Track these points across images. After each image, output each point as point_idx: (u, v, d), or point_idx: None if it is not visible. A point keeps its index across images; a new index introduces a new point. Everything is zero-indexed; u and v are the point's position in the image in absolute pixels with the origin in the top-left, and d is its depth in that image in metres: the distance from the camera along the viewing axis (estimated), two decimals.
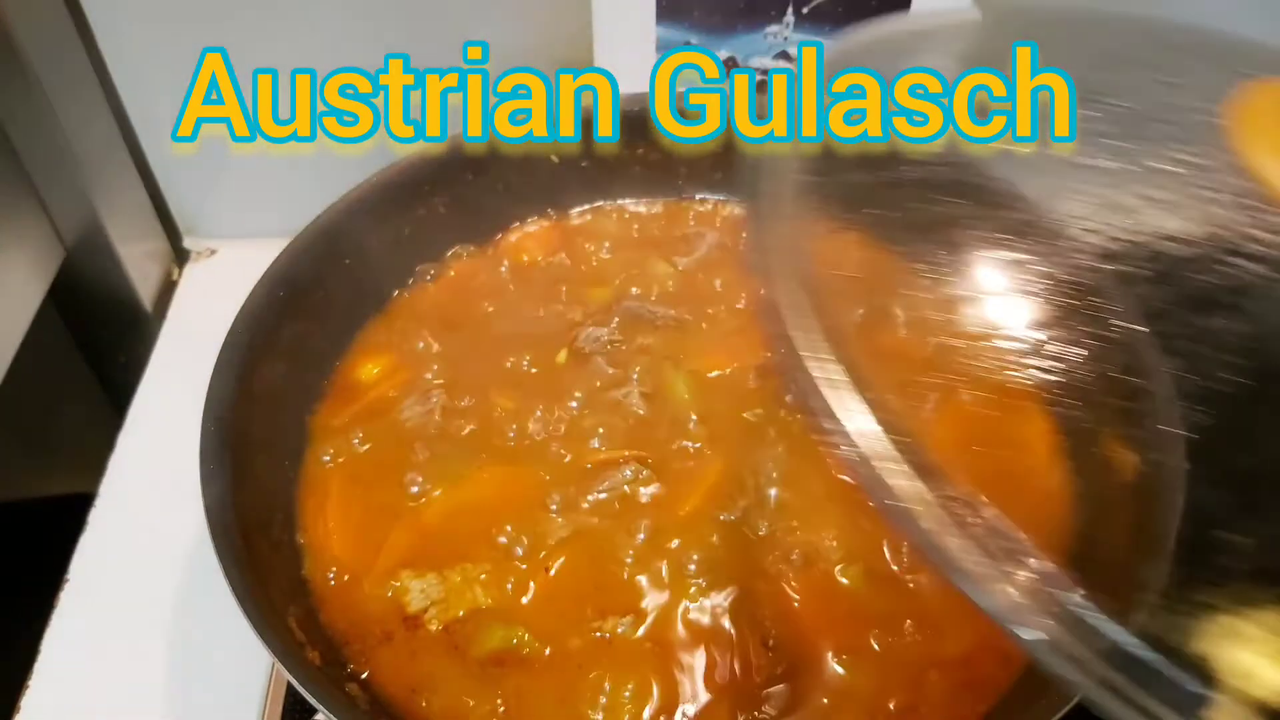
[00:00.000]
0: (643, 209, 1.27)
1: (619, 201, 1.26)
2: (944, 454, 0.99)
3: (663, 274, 1.18)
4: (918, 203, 0.83)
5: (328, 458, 1.00)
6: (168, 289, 1.37)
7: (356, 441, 1.01)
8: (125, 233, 1.31)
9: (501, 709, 0.83)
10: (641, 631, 0.87)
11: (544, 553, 0.92)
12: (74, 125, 1.20)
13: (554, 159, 1.22)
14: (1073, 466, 0.98)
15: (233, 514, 0.83)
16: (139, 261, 1.34)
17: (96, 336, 1.36)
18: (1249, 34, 0.79)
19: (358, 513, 0.96)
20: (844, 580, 0.90)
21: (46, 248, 1.22)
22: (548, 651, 0.86)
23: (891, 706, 0.83)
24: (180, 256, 1.41)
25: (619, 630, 0.86)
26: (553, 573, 0.91)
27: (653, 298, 1.15)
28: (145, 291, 1.35)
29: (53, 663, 0.99)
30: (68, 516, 1.11)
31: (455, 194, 1.18)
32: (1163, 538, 0.78)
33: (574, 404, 1.04)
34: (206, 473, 0.83)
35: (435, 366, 1.08)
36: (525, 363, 1.08)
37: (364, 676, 0.85)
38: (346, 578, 0.91)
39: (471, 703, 0.83)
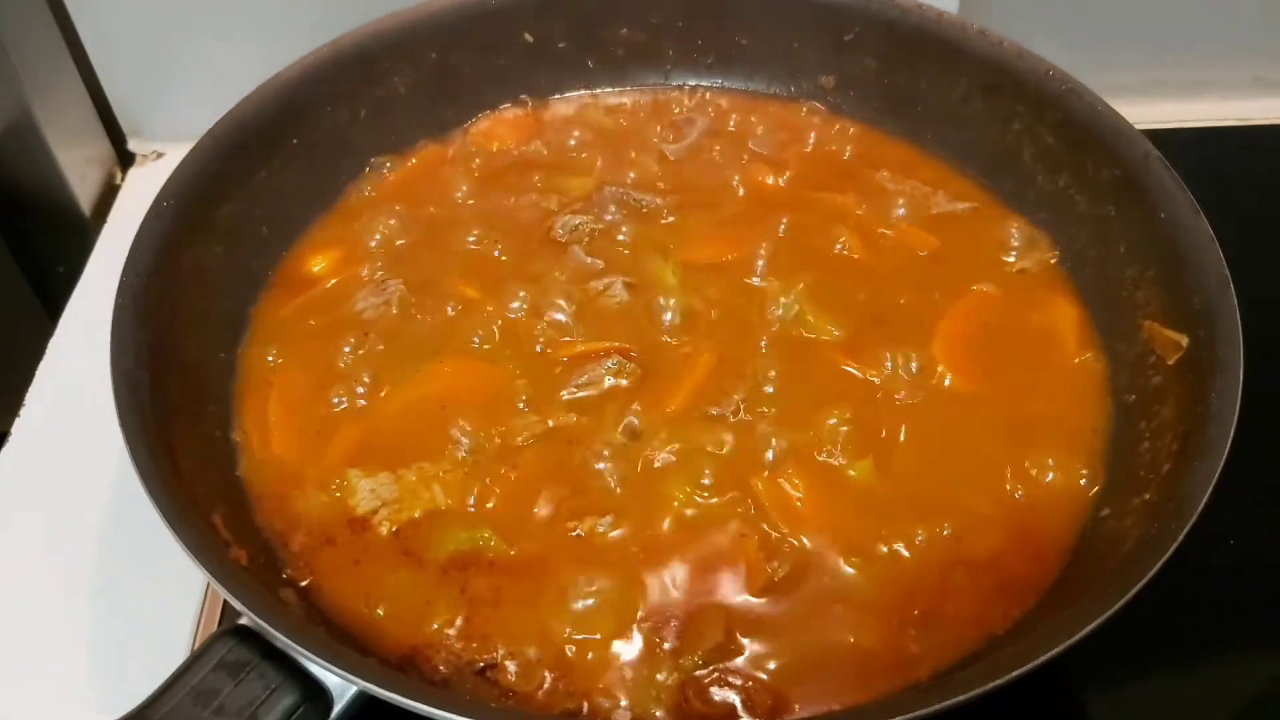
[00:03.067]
0: (626, 100, 1.15)
1: (600, 88, 1.14)
2: (964, 346, 0.89)
3: (649, 162, 1.07)
4: None
5: (271, 352, 0.89)
6: (110, 194, 1.26)
7: (303, 334, 0.90)
8: (61, 131, 1.20)
9: (463, 618, 0.72)
10: (622, 532, 0.76)
11: (513, 450, 0.81)
12: (3, 17, 1.09)
13: (528, 37, 1.10)
14: (1105, 353, 0.87)
15: (148, 396, 0.72)
16: (77, 163, 1.23)
17: (31, 242, 1.24)
18: None
19: (302, 410, 0.85)
20: (851, 474, 0.79)
21: None
22: (514, 553, 0.75)
23: (910, 614, 0.72)
24: (124, 159, 1.29)
25: (598, 530, 0.76)
26: (521, 471, 0.80)
27: (637, 185, 1.04)
28: (84, 195, 1.23)
29: None
30: None
31: (417, 73, 1.06)
32: (1226, 411, 0.68)
33: (548, 295, 0.93)
34: (117, 350, 0.72)
35: (393, 258, 0.98)
36: (494, 252, 0.97)
37: (304, 585, 0.74)
38: (286, 478, 0.80)
39: (428, 611, 0.73)
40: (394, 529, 0.77)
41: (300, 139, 0.99)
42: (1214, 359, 0.75)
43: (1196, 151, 1.20)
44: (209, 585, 0.85)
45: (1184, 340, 0.80)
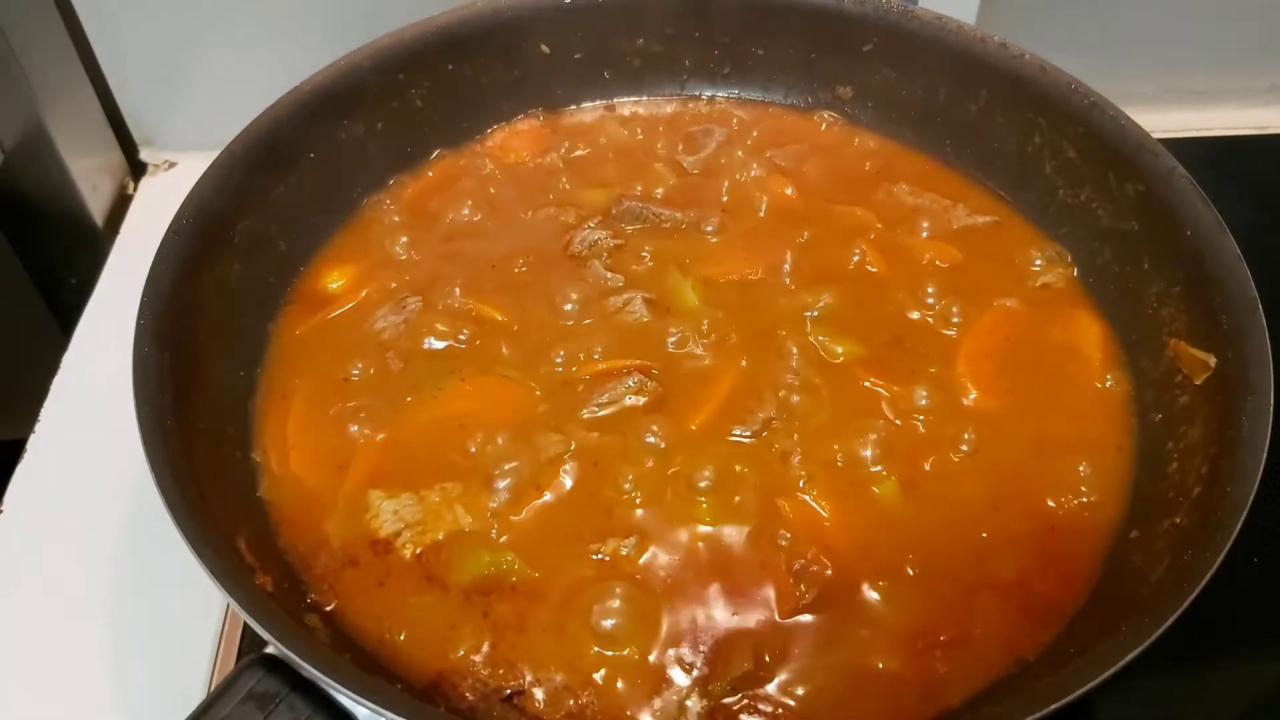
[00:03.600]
0: (643, 110, 1.14)
1: (617, 99, 1.14)
2: (988, 363, 0.89)
3: (666, 174, 1.06)
4: None
5: (290, 371, 0.88)
6: (122, 204, 1.25)
7: (322, 352, 0.90)
8: (73, 141, 1.20)
9: (488, 644, 0.71)
10: (647, 556, 0.76)
11: (535, 471, 0.81)
12: (13, 19, 1.08)
13: (544, 48, 1.09)
14: (1130, 371, 0.87)
15: (171, 419, 0.72)
16: (89, 173, 1.23)
17: (43, 254, 1.23)
18: None
19: (322, 429, 0.84)
20: (877, 492, 0.79)
21: None
22: (538, 576, 0.74)
23: (938, 638, 0.71)
24: (136, 169, 1.29)
25: (622, 553, 0.75)
26: (545, 492, 0.79)
27: (657, 198, 1.03)
28: (96, 205, 1.23)
29: None
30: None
31: (433, 86, 1.05)
32: (1259, 436, 0.67)
33: (568, 311, 0.92)
34: (140, 372, 0.71)
35: (411, 274, 0.97)
36: (512, 269, 0.97)
37: (328, 609, 0.74)
38: (308, 499, 0.79)
39: (453, 636, 0.72)
40: (417, 551, 0.76)
41: (317, 153, 0.98)
42: (1244, 380, 0.75)
43: (1212, 160, 1.19)
44: (229, 606, 0.85)
45: (1212, 360, 0.79)
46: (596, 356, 0.88)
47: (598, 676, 0.70)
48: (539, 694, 0.69)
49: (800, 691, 0.69)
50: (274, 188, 0.94)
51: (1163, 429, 0.82)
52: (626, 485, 0.79)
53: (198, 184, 0.86)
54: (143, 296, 0.76)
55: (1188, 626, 0.81)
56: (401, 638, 0.72)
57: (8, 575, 0.89)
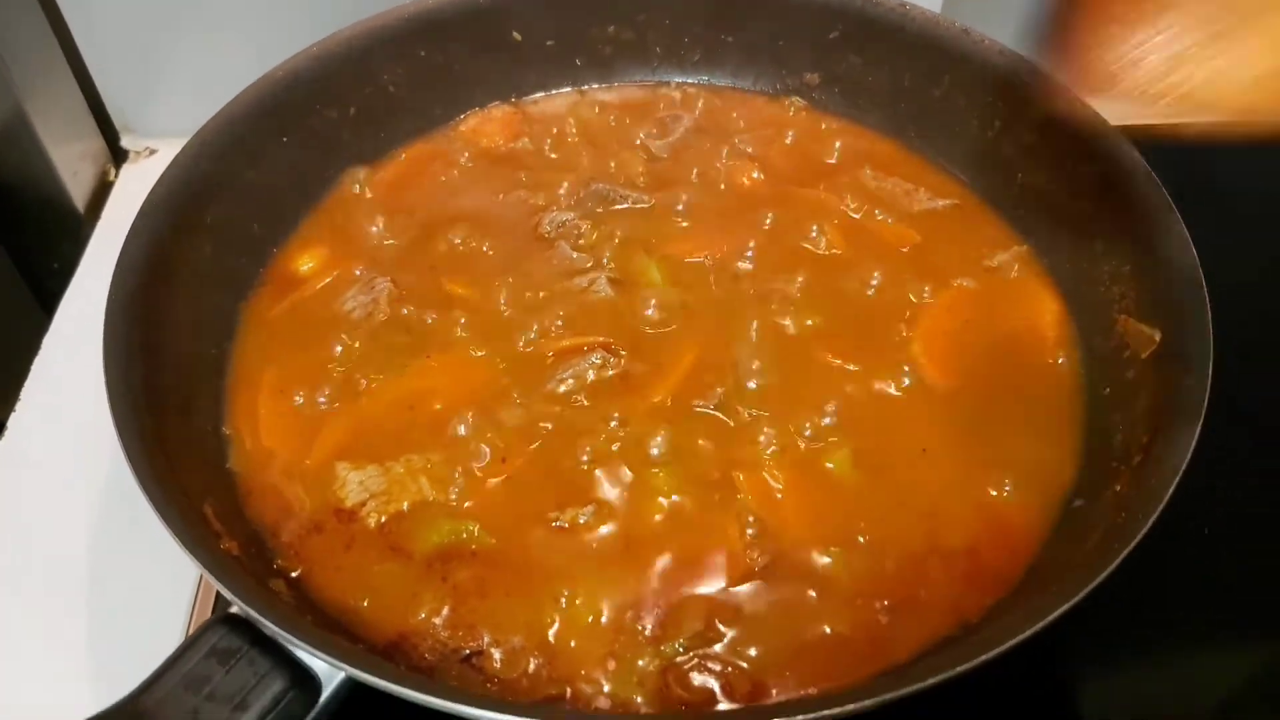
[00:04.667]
0: (614, 97, 1.16)
1: (588, 85, 1.16)
2: (944, 341, 0.91)
3: (635, 159, 1.08)
4: None
5: (261, 350, 0.90)
6: (103, 190, 1.27)
7: (292, 331, 0.92)
8: (54, 128, 1.21)
9: (448, 608, 0.74)
10: (607, 526, 0.78)
11: (498, 444, 0.83)
12: None
13: (516, 35, 1.11)
14: (1082, 347, 0.89)
15: (141, 392, 0.74)
16: (70, 160, 1.24)
17: (25, 239, 1.25)
18: None
19: (291, 405, 0.87)
20: (830, 466, 0.81)
21: None
22: (497, 543, 0.76)
23: (885, 603, 0.74)
24: (118, 156, 1.30)
25: (580, 520, 0.77)
26: (507, 464, 0.81)
27: (623, 181, 1.05)
28: (77, 192, 1.25)
29: None
30: None
31: (406, 72, 1.08)
32: (1194, 404, 0.69)
33: (534, 290, 0.94)
34: (110, 345, 0.74)
35: (381, 256, 0.99)
36: (481, 250, 0.98)
37: (294, 575, 0.76)
38: (276, 471, 0.81)
39: (414, 602, 0.74)
40: (382, 519, 0.78)
41: (290, 137, 1.00)
42: (1184, 353, 0.77)
43: (1171, 149, 1.21)
44: (202, 576, 0.87)
45: (1156, 335, 0.82)
46: (560, 332, 0.90)
47: (552, 637, 0.72)
48: (497, 654, 0.71)
49: (751, 652, 0.71)
50: (246, 171, 0.96)
51: (1110, 403, 0.84)
52: (585, 457, 0.82)
53: (170, 166, 0.88)
54: (114, 275, 0.78)
55: (1171, 618, 0.84)
56: (365, 604, 0.74)
57: None
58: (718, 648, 0.71)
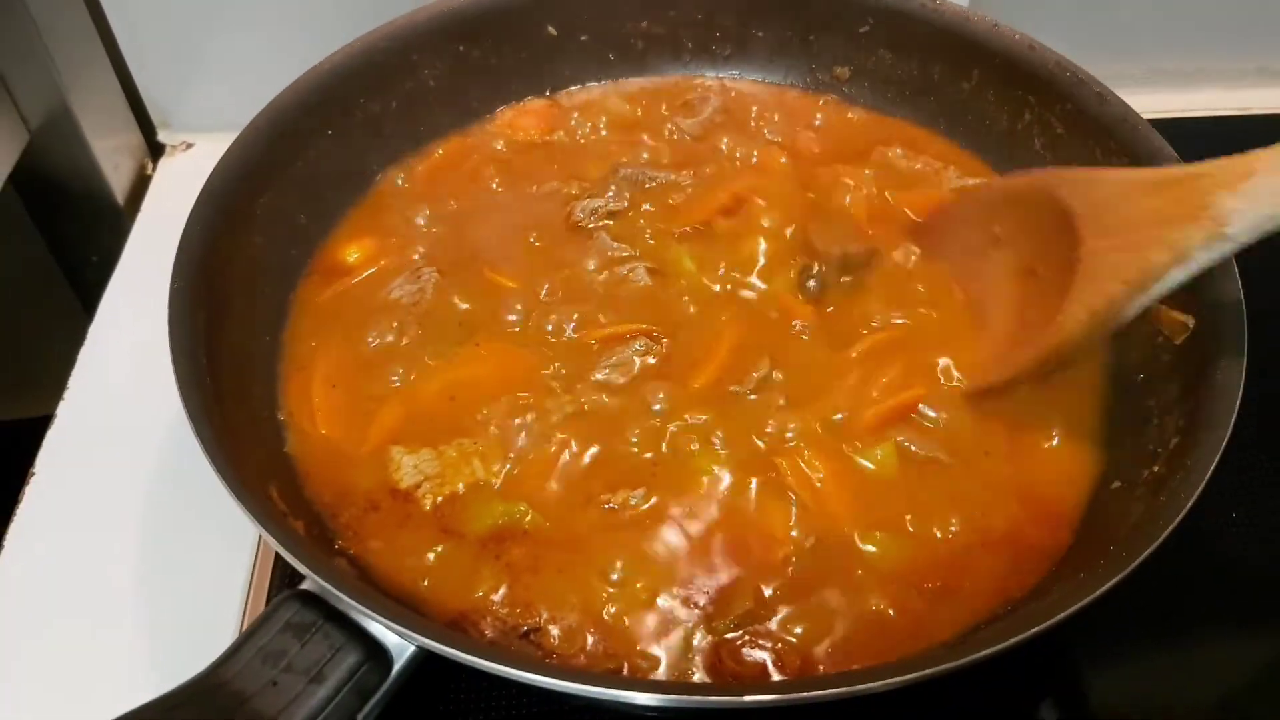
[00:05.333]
0: (646, 88, 1.18)
1: (620, 80, 1.18)
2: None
3: (665, 145, 1.11)
4: None
5: (312, 337, 0.93)
6: (141, 184, 1.29)
7: (342, 319, 0.94)
8: (95, 122, 1.23)
9: (505, 586, 0.76)
10: (654, 504, 0.80)
11: (547, 428, 0.85)
12: (39, 4, 1.12)
13: (552, 30, 1.13)
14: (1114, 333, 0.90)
15: (208, 377, 0.76)
16: (110, 153, 1.26)
17: (67, 233, 1.27)
18: None
19: (345, 391, 0.89)
20: (865, 463, 0.83)
21: (9, 127, 1.14)
22: (549, 525, 0.78)
23: (936, 584, 0.76)
24: (155, 150, 1.32)
25: (630, 502, 0.79)
26: (557, 448, 0.83)
27: (654, 166, 1.07)
28: (117, 185, 1.27)
29: (19, 553, 0.91)
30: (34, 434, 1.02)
31: (445, 66, 1.10)
32: (1230, 389, 0.71)
33: (577, 278, 0.96)
34: (176, 330, 0.76)
35: (425, 246, 1.01)
36: (522, 240, 1.01)
37: (353, 554, 0.78)
38: (332, 455, 0.84)
39: (471, 580, 0.76)
40: (437, 500, 0.80)
41: (334, 130, 1.02)
42: (1218, 338, 0.79)
43: (1199, 140, 1.23)
44: (254, 564, 0.89)
45: (1190, 321, 0.84)
46: (606, 320, 0.92)
47: (609, 615, 0.74)
48: (554, 630, 0.73)
49: (799, 629, 0.73)
50: (293, 163, 0.98)
51: (1145, 387, 0.86)
52: (633, 440, 0.83)
53: (222, 159, 0.90)
54: (175, 260, 0.80)
55: (1181, 606, 0.86)
56: (425, 583, 0.76)
57: (41, 535, 0.92)
58: (770, 625, 0.73)
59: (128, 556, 0.90)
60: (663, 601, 0.75)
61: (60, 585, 0.89)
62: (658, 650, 0.72)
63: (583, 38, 1.15)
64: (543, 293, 0.96)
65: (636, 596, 0.75)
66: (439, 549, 0.78)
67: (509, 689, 0.79)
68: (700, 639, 0.73)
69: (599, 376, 0.89)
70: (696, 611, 0.74)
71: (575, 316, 0.93)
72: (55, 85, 1.17)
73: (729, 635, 0.73)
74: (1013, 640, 0.63)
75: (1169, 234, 0.72)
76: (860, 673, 0.69)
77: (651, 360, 0.89)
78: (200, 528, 0.91)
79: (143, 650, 0.84)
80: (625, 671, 0.71)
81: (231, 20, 1.24)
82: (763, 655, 0.72)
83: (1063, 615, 0.62)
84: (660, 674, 0.71)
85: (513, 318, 0.93)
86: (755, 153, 1.08)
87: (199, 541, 0.90)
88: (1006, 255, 0.89)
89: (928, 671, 0.62)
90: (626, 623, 0.74)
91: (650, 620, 0.74)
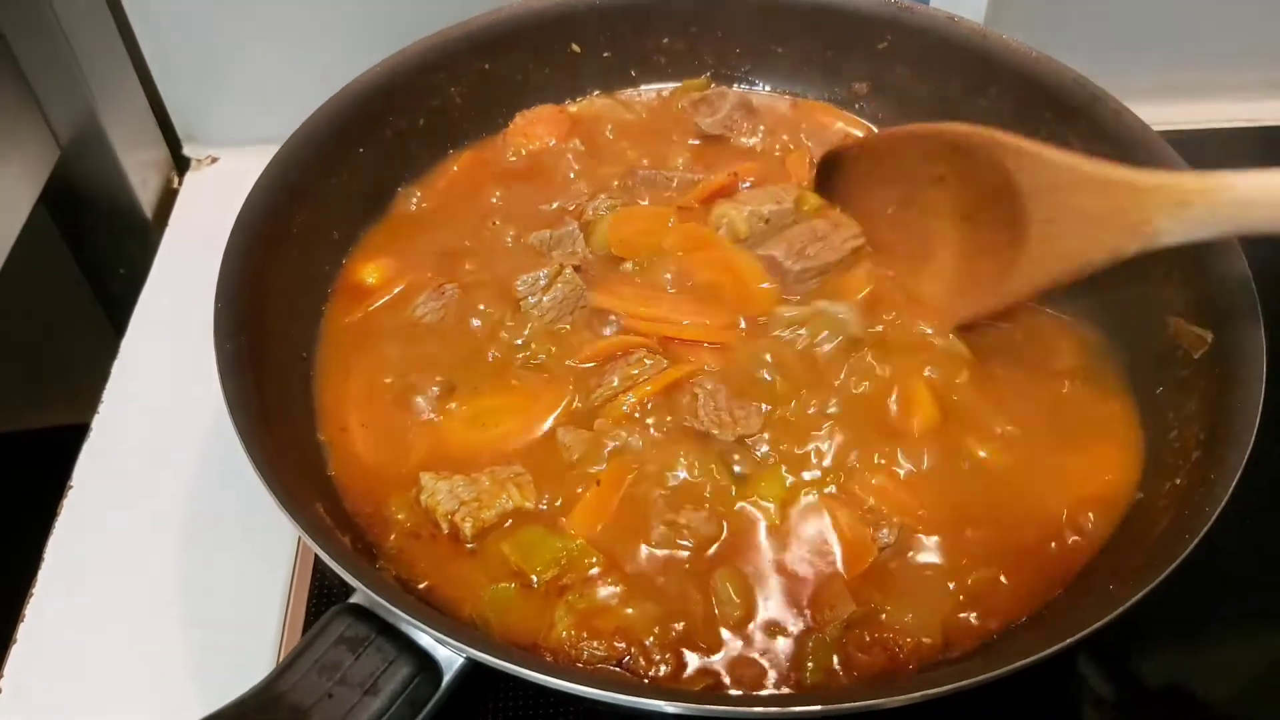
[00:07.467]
0: (663, 95, 1.20)
1: (640, 88, 1.20)
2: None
3: (681, 147, 1.13)
4: None
5: (341, 357, 0.94)
6: (168, 198, 1.31)
7: (368, 339, 0.95)
8: (124, 137, 1.25)
9: (569, 631, 0.75)
10: (722, 527, 0.81)
11: (587, 453, 0.85)
12: (71, 22, 1.14)
13: (575, 47, 1.15)
14: (1133, 348, 0.93)
15: (254, 393, 0.77)
16: (138, 168, 1.28)
17: (95, 247, 1.29)
18: None
19: (379, 413, 0.89)
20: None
21: (40, 143, 1.16)
22: (603, 558, 0.79)
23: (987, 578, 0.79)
24: (181, 164, 1.34)
25: (695, 524, 0.80)
26: (601, 474, 0.83)
27: (670, 166, 1.09)
28: (145, 199, 1.29)
29: (58, 568, 0.93)
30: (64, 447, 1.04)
31: (472, 83, 1.12)
32: (1250, 403, 0.73)
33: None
34: (222, 348, 0.77)
35: (447, 261, 1.01)
36: (542, 252, 1.01)
37: (396, 576, 0.79)
38: (372, 478, 0.85)
39: (541, 620, 0.76)
40: (477, 528, 0.80)
41: (365, 148, 1.03)
42: (1238, 353, 0.81)
43: (1208, 151, 1.25)
44: (292, 579, 0.90)
45: (1209, 336, 0.85)
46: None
47: (703, 637, 0.75)
48: (643, 660, 0.73)
49: (907, 618, 0.76)
50: (327, 180, 0.99)
51: (1165, 400, 0.87)
52: (682, 463, 0.84)
53: (261, 177, 0.91)
54: (219, 278, 0.82)
55: (1198, 600, 0.88)
56: (491, 620, 0.76)
57: (80, 546, 0.94)
58: (879, 618, 0.75)
59: (166, 570, 0.92)
60: (764, 617, 0.77)
61: (99, 600, 0.90)
62: (766, 663, 0.74)
63: (605, 54, 1.17)
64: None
65: (733, 613, 0.76)
66: (495, 585, 0.78)
67: (547, 697, 0.81)
68: (814, 645, 0.74)
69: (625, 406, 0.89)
70: (803, 623, 0.76)
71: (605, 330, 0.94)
72: (86, 102, 1.19)
73: (841, 639, 0.75)
74: (1046, 652, 0.65)
75: (1108, 239, 0.82)
76: (887, 686, 0.71)
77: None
78: (237, 543, 0.92)
79: (184, 664, 0.86)
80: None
81: (255, 36, 1.26)
82: (879, 649, 0.74)
83: (1099, 624, 0.64)
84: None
85: (538, 335, 0.94)
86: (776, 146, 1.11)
87: (236, 555, 0.92)
88: (945, 197, 0.95)
89: (962, 683, 0.64)
90: (722, 636, 0.75)
91: (750, 636, 0.76)
